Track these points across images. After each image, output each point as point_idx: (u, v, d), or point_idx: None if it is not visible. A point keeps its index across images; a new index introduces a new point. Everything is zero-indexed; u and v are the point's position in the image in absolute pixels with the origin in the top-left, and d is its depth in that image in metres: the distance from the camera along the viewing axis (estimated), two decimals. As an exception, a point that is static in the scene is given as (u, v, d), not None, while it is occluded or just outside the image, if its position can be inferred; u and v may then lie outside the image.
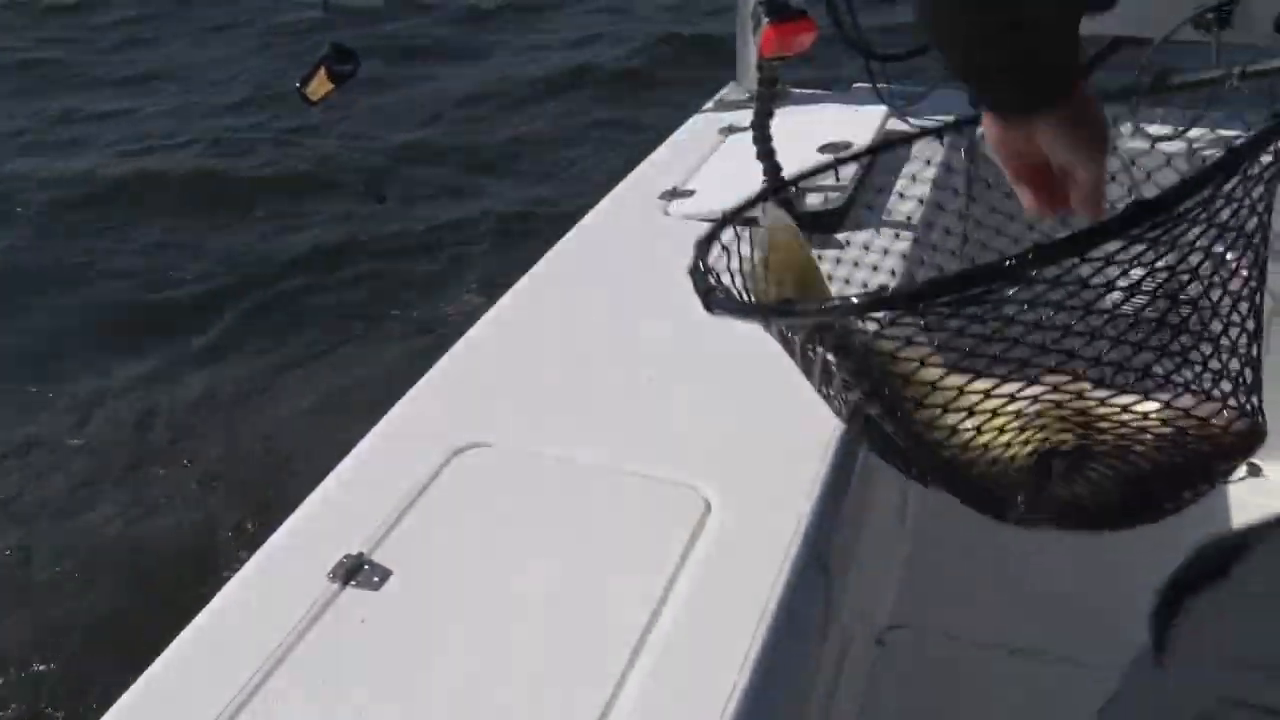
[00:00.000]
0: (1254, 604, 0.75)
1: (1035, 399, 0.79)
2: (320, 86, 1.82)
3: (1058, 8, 0.86)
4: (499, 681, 0.96)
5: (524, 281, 1.66)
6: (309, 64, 1.80)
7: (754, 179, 1.71)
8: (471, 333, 1.53)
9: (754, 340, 1.48)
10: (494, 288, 1.66)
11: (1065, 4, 0.86)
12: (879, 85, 2.20)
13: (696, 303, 1.58)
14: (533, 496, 1.18)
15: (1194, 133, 2.07)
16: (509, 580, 1.07)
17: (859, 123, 2.01)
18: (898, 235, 1.76)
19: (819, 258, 1.17)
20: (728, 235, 1.04)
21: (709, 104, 2.39)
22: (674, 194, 1.90)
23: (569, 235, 1.81)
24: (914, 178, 1.96)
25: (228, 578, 1.10)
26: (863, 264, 1.69)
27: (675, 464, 1.22)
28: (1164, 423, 0.81)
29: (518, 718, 0.92)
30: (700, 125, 2.26)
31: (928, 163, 2.03)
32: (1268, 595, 0.73)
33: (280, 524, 1.17)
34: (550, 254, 1.74)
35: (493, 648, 0.99)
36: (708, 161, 2.04)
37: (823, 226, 1.75)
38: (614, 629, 1.00)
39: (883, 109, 2.08)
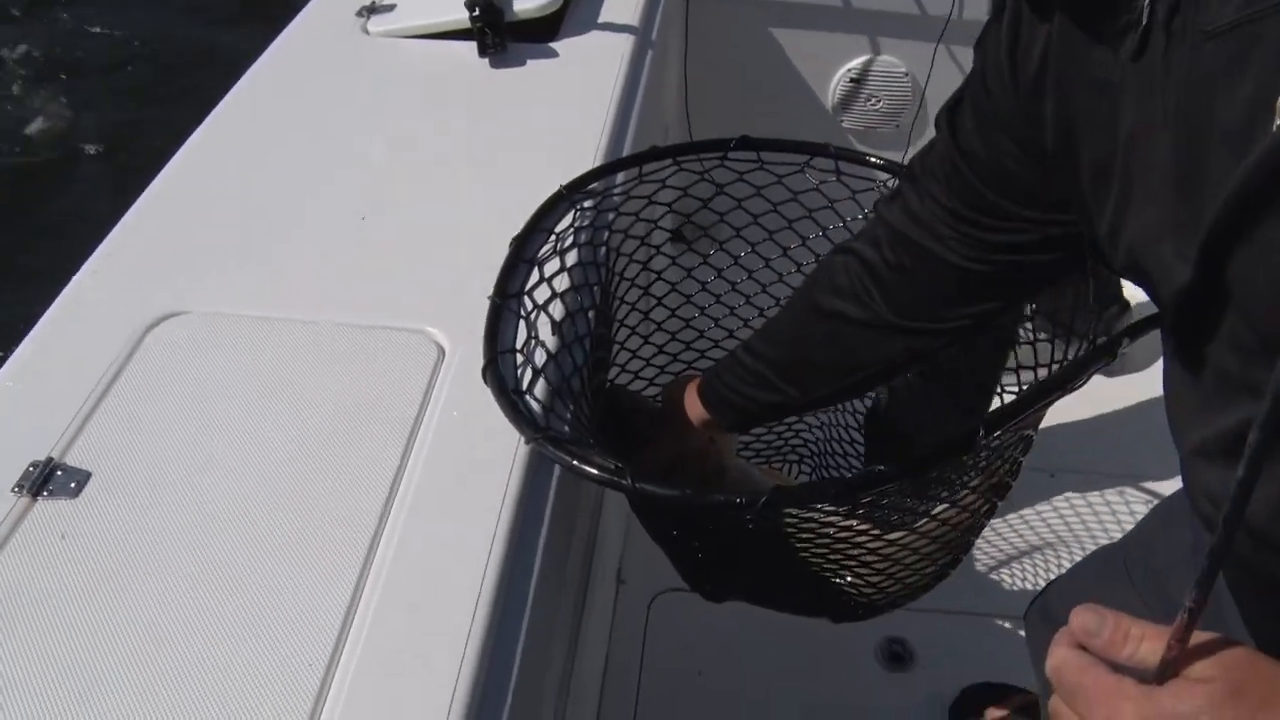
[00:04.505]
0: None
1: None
2: None
3: None
4: (228, 587, 0.86)
5: (211, 119, 1.47)
6: None
7: (458, -11, 1.57)
8: (154, 185, 1.34)
9: (473, 166, 1.38)
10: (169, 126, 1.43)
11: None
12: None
13: (409, 131, 1.46)
14: (246, 364, 1.06)
15: None
16: (231, 465, 0.96)
17: None
18: (614, 40, 1.68)
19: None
20: None
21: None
22: (372, 9, 1.72)
23: (259, 62, 1.61)
24: None
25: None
26: (580, 71, 1.60)
27: (401, 310, 1.12)
28: None
29: (254, 625, 0.83)
30: None
31: None
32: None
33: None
34: (239, 84, 1.55)
35: (220, 548, 0.89)
36: (405, -30, 1.85)
37: (536, 34, 1.64)
38: (360, 499, 0.92)
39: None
